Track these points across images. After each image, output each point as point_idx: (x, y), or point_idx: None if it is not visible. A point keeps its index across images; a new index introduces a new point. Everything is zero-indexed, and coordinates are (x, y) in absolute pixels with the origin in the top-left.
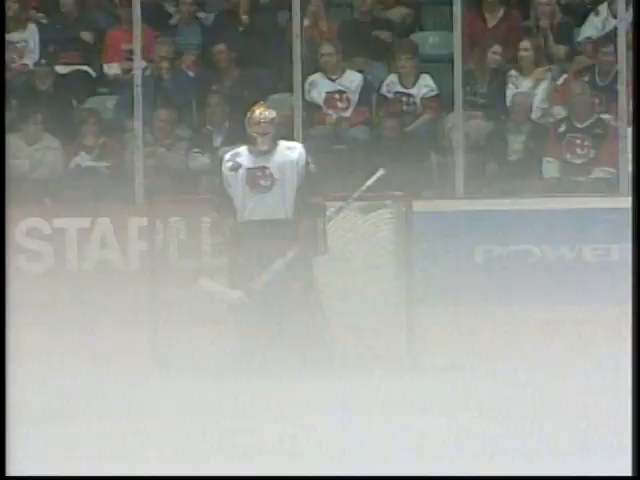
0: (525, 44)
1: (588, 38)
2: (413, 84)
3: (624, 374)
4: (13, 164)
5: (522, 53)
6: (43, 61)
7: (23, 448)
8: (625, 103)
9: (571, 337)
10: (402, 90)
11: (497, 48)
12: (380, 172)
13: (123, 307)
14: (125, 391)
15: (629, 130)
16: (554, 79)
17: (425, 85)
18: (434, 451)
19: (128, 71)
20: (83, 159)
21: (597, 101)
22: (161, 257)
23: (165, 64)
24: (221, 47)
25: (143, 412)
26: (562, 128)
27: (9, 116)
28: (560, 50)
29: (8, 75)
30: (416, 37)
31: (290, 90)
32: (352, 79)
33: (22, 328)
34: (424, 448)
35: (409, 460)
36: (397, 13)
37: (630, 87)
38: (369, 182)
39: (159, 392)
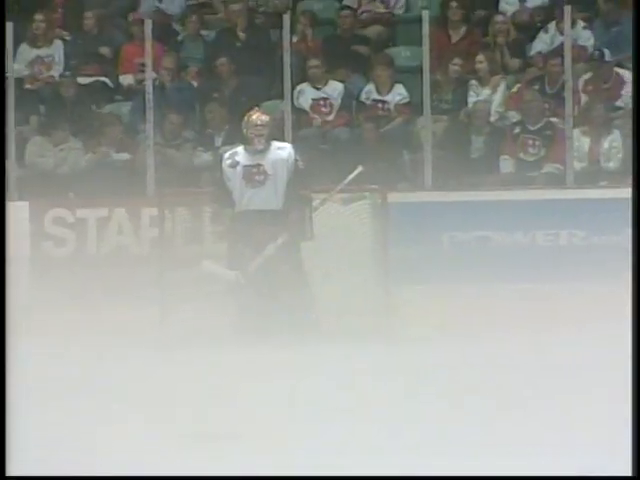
0: (480, 57)
1: (539, 52)
2: (388, 92)
3: (572, 341)
4: (40, 162)
5: (478, 65)
6: (67, 73)
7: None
8: (571, 108)
9: (526, 311)
10: (378, 97)
11: (458, 61)
12: (359, 169)
13: (136, 285)
14: (136, 357)
15: (575, 131)
16: (509, 87)
17: (398, 93)
18: (407, 406)
19: (140, 81)
20: (104, 155)
21: (547, 106)
22: (169, 242)
23: (172, 75)
24: (222, 60)
25: (153, 376)
26: (516, 130)
27: (38, 121)
28: (514, 62)
29: (37, 85)
30: (390, 51)
31: (281, 97)
32: (335, 88)
33: (45, 306)
34: (397, 404)
35: (384, 413)
36: (374, 31)
37: (576, 93)
38: (350, 177)
39: (167, 358)
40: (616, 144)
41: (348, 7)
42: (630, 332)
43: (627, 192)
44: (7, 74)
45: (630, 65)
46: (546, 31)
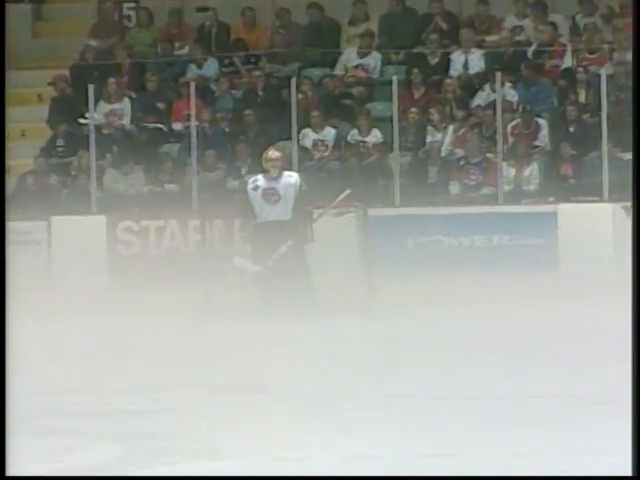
0: (435, 109)
1: (478, 105)
2: (367, 135)
3: (502, 314)
4: (114, 187)
5: (433, 115)
6: (134, 121)
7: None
8: (501, 147)
9: (468, 293)
10: (360, 139)
11: (419, 112)
12: (347, 191)
13: (185, 277)
14: (184, 326)
15: (503, 163)
16: (456, 131)
17: (375, 135)
18: (380, 357)
19: (187, 127)
20: (159, 184)
21: (483, 145)
22: (208, 245)
23: (210, 123)
24: (247, 112)
25: (197, 339)
26: (461, 162)
27: (112, 157)
28: (460, 113)
29: (111, 130)
30: (369, 105)
31: (290, 139)
32: (329, 132)
33: (119, 291)
34: (374, 358)
35: (364, 364)
36: (357, 90)
37: (505, 136)
38: (340, 197)
39: (207, 328)
40: (534, 173)
41: (338, 74)
42: (630, 331)
43: (542, 207)
44: (89, 122)
45: (545, 114)
46: (483, 90)
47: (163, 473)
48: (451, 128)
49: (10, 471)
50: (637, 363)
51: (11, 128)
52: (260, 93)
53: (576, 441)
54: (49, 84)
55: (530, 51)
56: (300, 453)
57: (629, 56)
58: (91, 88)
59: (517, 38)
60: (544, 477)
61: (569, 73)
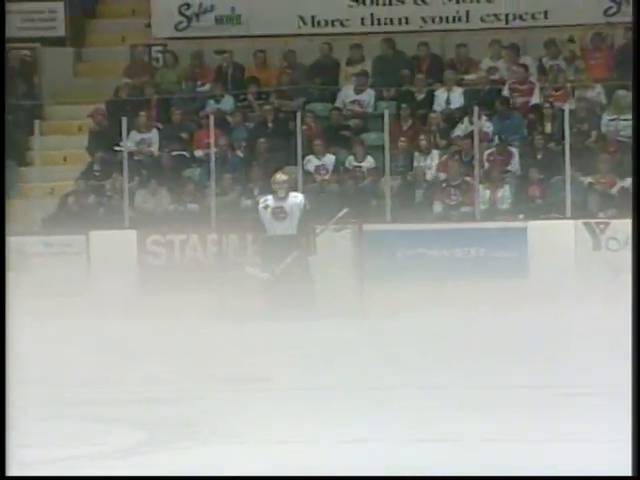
0: (421, 138)
1: (458, 135)
2: (362, 161)
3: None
4: (143, 206)
5: (420, 143)
6: (161, 149)
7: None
8: (478, 171)
9: (449, 297)
10: (356, 164)
11: (406, 141)
12: (345, 210)
13: (204, 283)
14: (204, 325)
15: (480, 186)
16: (439, 158)
17: (369, 162)
18: (371, 351)
19: (207, 154)
20: (182, 204)
21: (463, 170)
22: (224, 256)
23: (226, 150)
24: (259, 141)
25: (214, 336)
26: (444, 185)
27: (141, 179)
28: (442, 142)
29: (141, 157)
30: (364, 135)
31: (295, 164)
32: (329, 158)
33: (147, 295)
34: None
35: (359, 356)
36: (353, 122)
37: (481, 162)
38: (339, 215)
39: (223, 326)
40: (506, 194)
41: (337, 108)
42: (630, 332)
43: (514, 224)
44: (122, 149)
45: (516, 143)
46: (462, 122)
47: (182, 455)
48: (435, 155)
49: (51, 453)
50: (637, 363)
51: (54, 154)
52: (270, 125)
53: (539, 427)
54: (88, 116)
55: (503, 89)
56: (302, 435)
57: (589, 93)
58: (124, 120)
59: (492, 77)
60: (544, 477)
61: (537, 108)
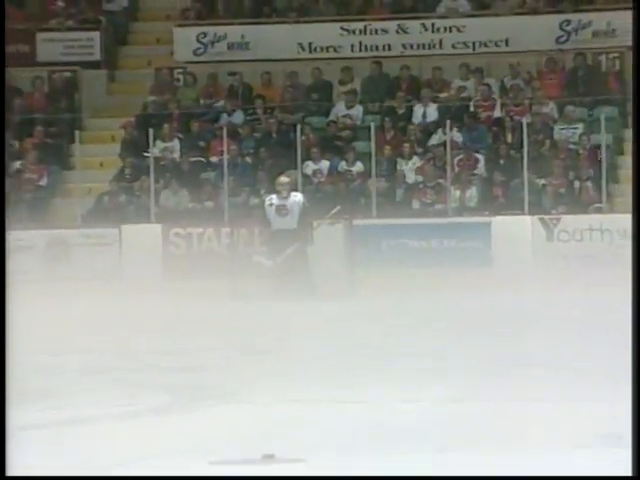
0: (404, 146)
1: (433, 144)
2: (352, 165)
3: (444, 294)
4: (167, 203)
5: (402, 150)
6: (182, 156)
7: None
8: (449, 174)
9: (424, 280)
10: (347, 168)
11: (389, 149)
12: (337, 208)
13: (218, 269)
14: (218, 305)
15: (451, 187)
16: (416, 163)
17: (358, 166)
18: (364, 333)
19: (221, 160)
20: (200, 202)
21: (436, 173)
22: (235, 247)
23: (237, 157)
24: (264, 149)
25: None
26: (420, 186)
27: (165, 181)
28: (420, 150)
29: (165, 162)
30: (354, 144)
31: (295, 168)
32: (325, 164)
33: (170, 281)
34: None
35: (349, 330)
36: (345, 133)
37: (452, 166)
38: (332, 212)
39: (234, 307)
40: (474, 194)
41: (331, 121)
42: (630, 331)
43: (480, 219)
44: (149, 156)
45: (482, 151)
46: (436, 133)
47: (201, 415)
48: (413, 161)
49: (87, 412)
50: (637, 363)
51: (92, 160)
52: (274, 135)
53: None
54: (120, 128)
55: (471, 105)
56: (304, 396)
57: (543, 108)
58: (151, 131)
59: (462, 95)
60: (544, 477)
61: (499, 121)
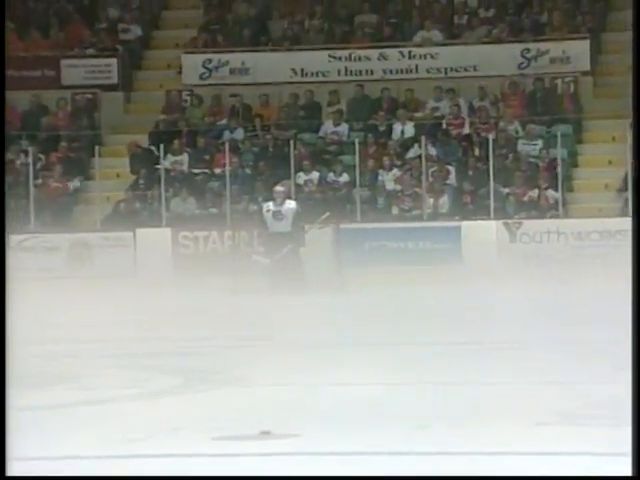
0: (383, 159)
1: (410, 157)
2: (339, 177)
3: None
4: (176, 210)
5: (383, 162)
6: (189, 168)
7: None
8: (424, 184)
9: (402, 276)
10: (335, 179)
11: (372, 161)
12: (327, 214)
13: (221, 268)
14: (221, 299)
15: (426, 195)
16: (396, 174)
17: (344, 177)
18: (351, 323)
19: (223, 171)
20: (206, 208)
21: (414, 183)
22: (237, 247)
23: (238, 168)
24: (262, 162)
25: (232, 306)
26: (399, 194)
27: (175, 190)
28: (398, 162)
29: (175, 173)
30: (341, 157)
31: (289, 179)
32: (315, 175)
33: (180, 277)
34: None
35: (340, 319)
36: (333, 147)
37: (427, 177)
38: (322, 217)
39: (235, 301)
40: (446, 201)
41: (320, 137)
42: (630, 331)
43: (451, 223)
44: (161, 168)
45: (453, 164)
46: (413, 147)
47: (208, 396)
48: (393, 172)
49: (105, 394)
50: (637, 363)
51: (110, 172)
52: (270, 149)
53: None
54: (127, 145)
55: (444, 123)
56: (300, 380)
57: (507, 126)
58: (162, 146)
59: (435, 114)
60: (544, 477)
61: (468, 137)
